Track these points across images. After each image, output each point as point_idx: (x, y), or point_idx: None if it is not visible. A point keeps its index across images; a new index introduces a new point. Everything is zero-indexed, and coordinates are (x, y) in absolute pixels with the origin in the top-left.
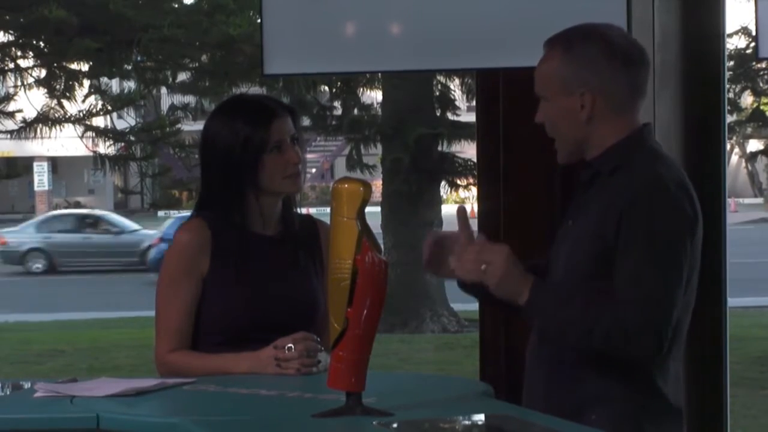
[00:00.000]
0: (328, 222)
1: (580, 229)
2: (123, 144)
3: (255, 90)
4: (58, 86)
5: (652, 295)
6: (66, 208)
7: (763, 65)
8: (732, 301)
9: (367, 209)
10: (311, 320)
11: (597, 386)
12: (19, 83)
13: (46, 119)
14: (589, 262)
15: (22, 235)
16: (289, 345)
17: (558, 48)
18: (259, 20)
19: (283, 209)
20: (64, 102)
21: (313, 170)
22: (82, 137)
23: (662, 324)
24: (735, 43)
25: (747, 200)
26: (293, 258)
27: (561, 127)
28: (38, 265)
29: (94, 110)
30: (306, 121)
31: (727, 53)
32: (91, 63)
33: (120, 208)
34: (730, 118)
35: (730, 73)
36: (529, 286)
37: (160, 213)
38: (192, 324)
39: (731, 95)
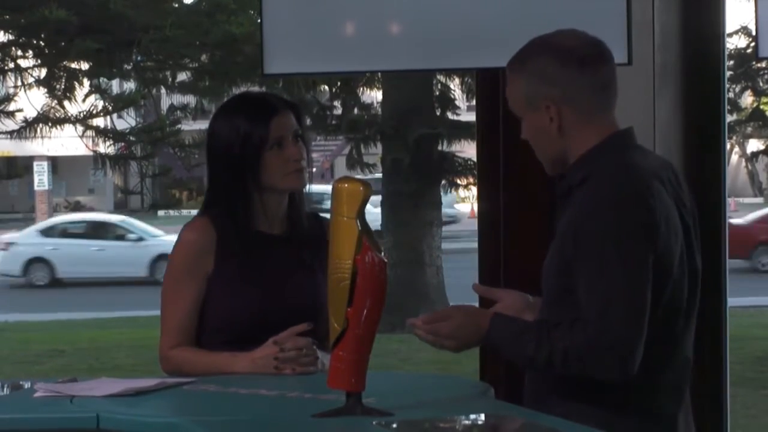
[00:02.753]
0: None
1: (553, 243)
2: (123, 144)
3: (255, 90)
4: (58, 86)
5: (604, 313)
6: (66, 207)
7: (763, 65)
8: (732, 301)
9: (367, 209)
10: (316, 319)
11: (569, 405)
12: (19, 83)
13: (46, 119)
14: (558, 277)
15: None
16: (286, 346)
17: (515, 67)
18: (259, 20)
19: (289, 207)
20: (65, 102)
21: (314, 170)
22: (82, 137)
23: (615, 340)
24: (735, 43)
25: (747, 200)
26: (299, 257)
27: (539, 143)
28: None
29: (95, 111)
30: (306, 121)
31: (727, 53)
32: (91, 63)
33: (120, 207)
34: (730, 118)
35: (730, 72)
36: (484, 335)
37: (160, 213)
38: (196, 322)
39: (731, 95)
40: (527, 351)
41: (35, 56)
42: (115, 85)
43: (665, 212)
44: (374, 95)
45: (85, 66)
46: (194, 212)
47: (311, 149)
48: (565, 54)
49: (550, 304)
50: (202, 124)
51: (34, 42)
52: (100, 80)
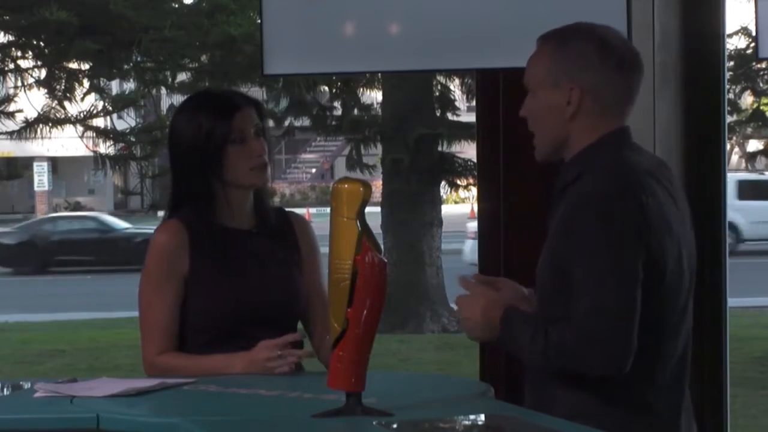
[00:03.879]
0: (321, 221)
1: (547, 240)
2: (123, 144)
3: (255, 90)
4: (58, 87)
5: (594, 310)
6: (66, 208)
7: (763, 65)
8: (732, 301)
9: (367, 209)
10: (293, 312)
11: (572, 402)
12: (19, 84)
13: (46, 120)
14: (550, 274)
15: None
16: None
17: (552, 42)
18: (258, 20)
19: (255, 203)
20: (65, 102)
21: (313, 170)
22: (82, 137)
23: (610, 337)
24: (735, 43)
25: None
26: (271, 251)
27: (544, 122)
28: None
29: (95, 111)
30: (306, 122)
31: (727, 53)
32: (91, 64)
33: (120, 208)
34: (730, 119)
35: (730, 73)
36: (499, 328)
37: (160, 213)
38: (177, 325)
39: (731, 96)
40: (525, 344)
41: (35, 57)
42: (115, 86)
43: (658, 209)
44: (374, 96)
45: (85, 66)
46: None
47: (273, 147)
48: (608, 48)
49: (544, 301)
50: None
51: (35, 43)
52: (100, 81)
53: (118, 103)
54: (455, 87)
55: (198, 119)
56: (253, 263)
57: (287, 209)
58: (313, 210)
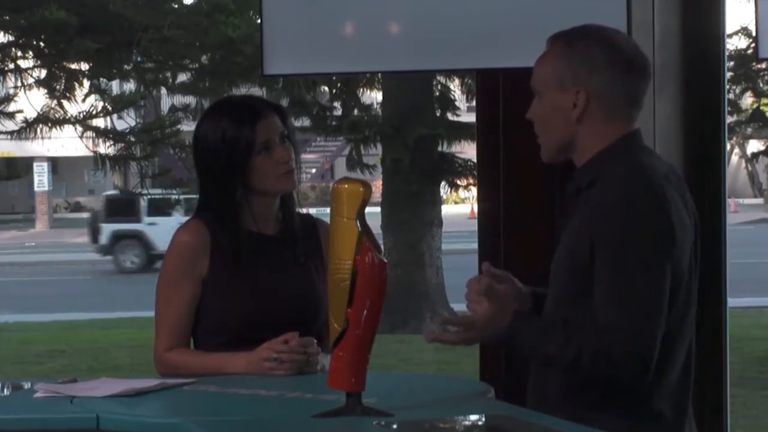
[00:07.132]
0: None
1: (563, 244)
2: (123, 144)
3: (255, 90)
4: (58, 87)
5: (630, 319)
6: (66, 208)
7: (763, 66)
8: (732, 301)
9: (367, 209)
10: (313, 318)
11: (577, 406)
12: (19, 84)
13: (46, 120)
14: (570, 279)
15: None
16: (276, 356)
17: (560, 44)
18: (259, 20)
19: (282, 208)
20: (65, 102)
21: (313, 170)
22: (82, 137)
23: (644, 346)
24: (735, 43)
25: (747, 200)
26: (293, 256)
27: (550, 124)
28: None
29: (95, 111)
30: (306, 122)
31: (727, 54)
32: (91, 63)
33: None
34: (730, 119)
35: (731, 73)
36: (508, 324)
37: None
38: (190, 324)
39: (731, 96)
40: (549, 349)
41: (35, 57)
42: (115, 86)
43: (678, 215)
44: (374, 96)
45: (84, 66)
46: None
47: (299, 149)
48: (617, 52)
49: (561, 305)
50: None
51: (34, 43)
52: (100, 81)
53: (118, 103)
54: (455, 87)
55: (220, 129)
56: (274, 268)
57: (314, 216)
58: (313, 210)
